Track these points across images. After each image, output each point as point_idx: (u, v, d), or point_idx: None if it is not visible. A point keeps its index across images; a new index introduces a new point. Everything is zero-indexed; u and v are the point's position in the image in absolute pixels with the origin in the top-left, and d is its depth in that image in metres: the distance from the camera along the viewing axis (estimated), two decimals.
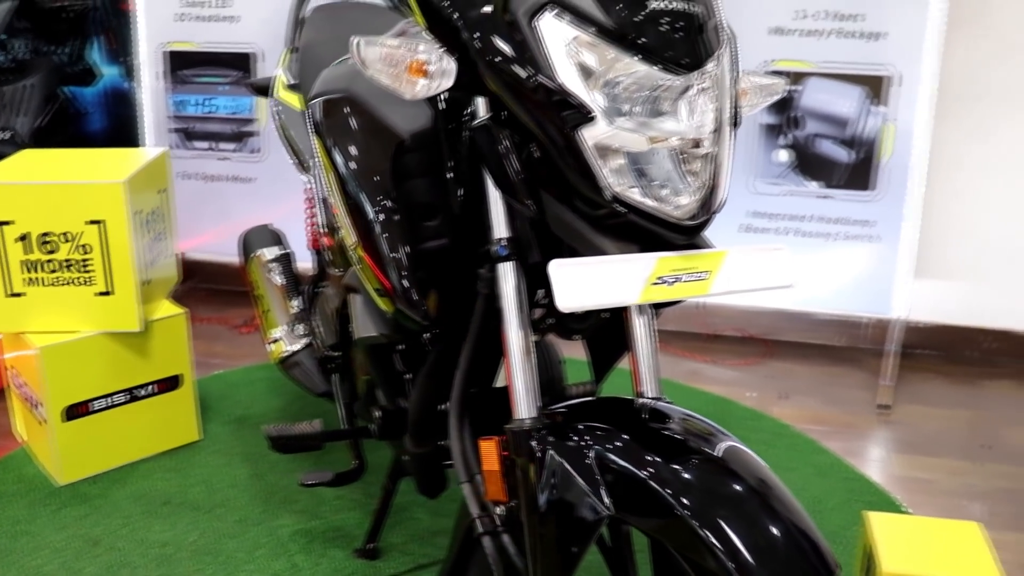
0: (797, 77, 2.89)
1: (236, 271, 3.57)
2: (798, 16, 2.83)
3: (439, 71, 1.05)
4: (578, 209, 1.04)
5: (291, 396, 2.64)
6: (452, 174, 1.23)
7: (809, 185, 2.97)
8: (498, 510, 1.13)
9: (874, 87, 2.85)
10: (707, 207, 1.04)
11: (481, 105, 1.11)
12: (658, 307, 1.21)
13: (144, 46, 3.39)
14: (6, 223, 2.09)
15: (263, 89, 2.36)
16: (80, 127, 3.66)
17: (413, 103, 1.25)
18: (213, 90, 3.38)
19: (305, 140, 2.03)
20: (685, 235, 1.03)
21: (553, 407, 1.13)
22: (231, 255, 3.47)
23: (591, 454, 1.03)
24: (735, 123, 1.08)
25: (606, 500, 1.00)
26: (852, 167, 2.93)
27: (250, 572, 1.93)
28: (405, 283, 1.21)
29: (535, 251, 1.13)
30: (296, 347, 2.05)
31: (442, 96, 1.23)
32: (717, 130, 1.04)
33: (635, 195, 1.00)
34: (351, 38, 1.07)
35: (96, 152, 2.46)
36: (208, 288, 3.55)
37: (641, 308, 1.17)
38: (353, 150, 1.29)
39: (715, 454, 1.01)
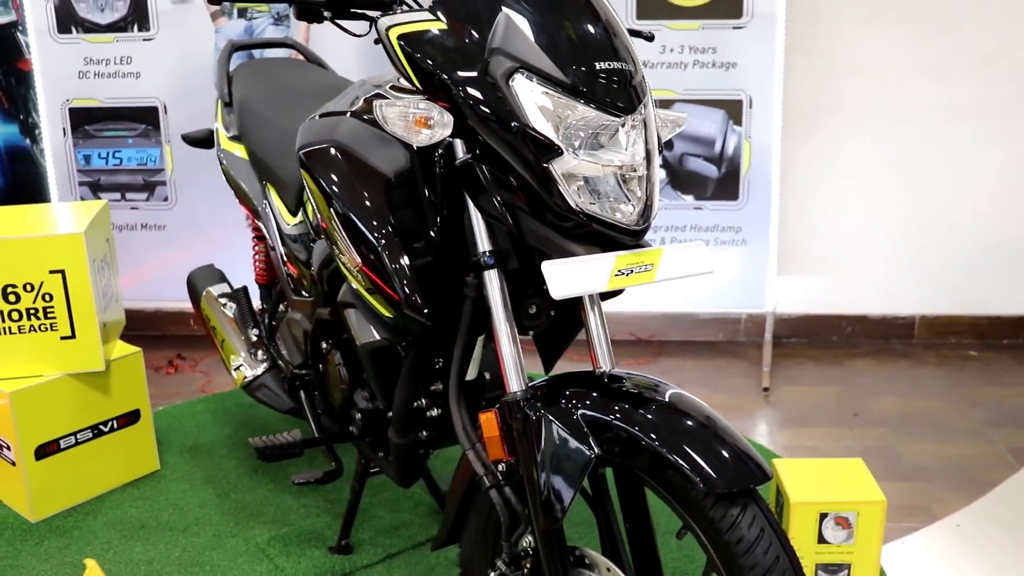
0: (665, 104, 3.29)
1: (150, 317, 3.71)
2: (663, 51, 3.23)
3: (439, 123, 1.33)
4: (549, 222, 1.33)
5: (235, 424, 2.83)
6: (429, 204, 1.51)
7: (684, 199, 3.36)
8: (499, 468, 1.41)
9: (732, 110, 3.27)
10: (646, 216, 1.36)
11: (459, 147, 1.40)
12: (604, 298, 1.52)
13: (45, 104, 3.51)
14: None
15: (199, 141, 2.56)
16: None
17: (388, 148, 1.53)
18: (121, 143, 3.52)
19: (252, 184, 2.26)
20: (633, 237, 1.34)
21: (534, 382, 1.42)
22: (146, 301, 3.63)
23: (573, 412, 1.33)
24: (660, 150, 1.41)
25: (592, 444, 1.29)
26: (719, 181, 3.34)
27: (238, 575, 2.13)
28: (408, 292, 1.48)
29: (512, 260, 1.42)
30: (259, 371, 2.26)
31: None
32: (648, 157, 1.36)
33: (595, 209, 1.31)
34: (374, 103, 1.35)
35: (37, 208, 2.60)
36: (127, 334, 3.66)
37: (592, 300, 1.48)
38: (350, 189, 1.55)
39: (666, 400, 1.32)
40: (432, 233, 1.50)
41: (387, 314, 1.54)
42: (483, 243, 1.41)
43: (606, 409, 1.32)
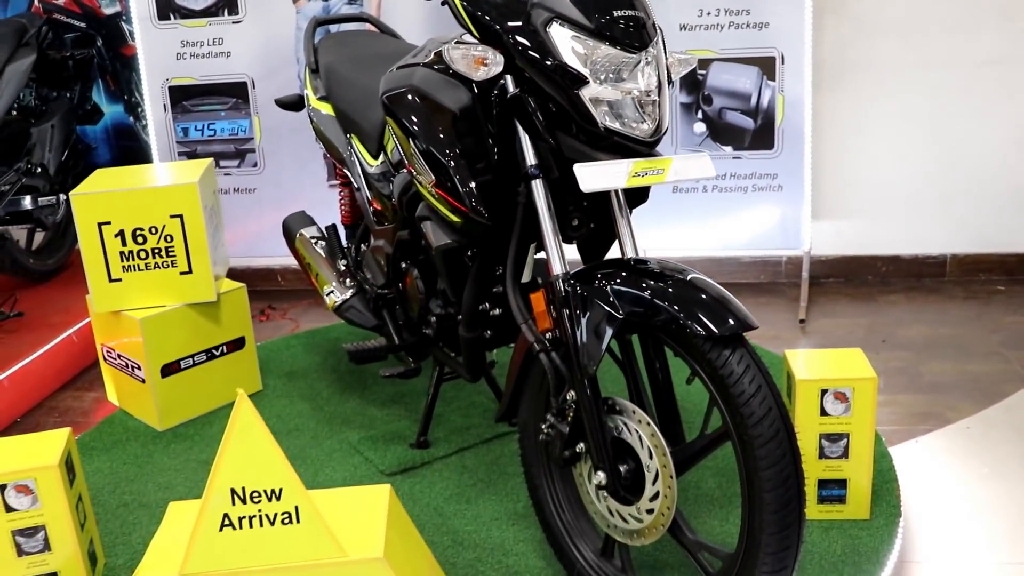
0: (703, 63, 3.59)
1: (243, 273, 4.14)
2: (701, 14, 3.54)
3: (493, 62, 1.69)
4: (580, 139, 1.68)
5: (323, 355, 3.23)
6: (487, 132, 1.86)
7: (723, 149, 3.67)
8: (547, 336, 1.76)
9: (766, 67, 3.56)
10: (657, 132, 1.69)
11: (510, 83, 1.75)
12: (632, 206, 1.87)
13: (147, 84, 3.95)
14: (105, 223, 2.65)
15: (290, 104, 2.96)
16: (90, 160, 4.20)
17: (455, 90, 1.89)
18: (215, 116, 3.95)
19: (339, 136, 2.64)
20: (648, 148, 1.68)
21: (577, 269, 1.76)
22: (238, 257, 4.05)
23: (604, 286, 1.67)
24: (670, 82, 1.74)
25: (618, 308, 1.64)
26: (755, 132, 3.64)
27: (334, 468, 2.53)
28: (474, 203, 1.85)
29: (554, 170, 1.77)
30: (347, 295, 2.65)
31: (475, 85, 1.87)
32: (659, 86, 1.69)
33: (617, 125, 1.65)
34: (442, 46, 1.71)
35: (155, 166, 3.03)
36: None
37: (620, 205, 1.83)
38: (426, 123, 1.92)
39: (682, 276, 1.66)
40: (490, 155, 1.86)
41: (456, 220, 1.90)
42: (530, 158, 1.76)
43: (631, 283, 1.66)
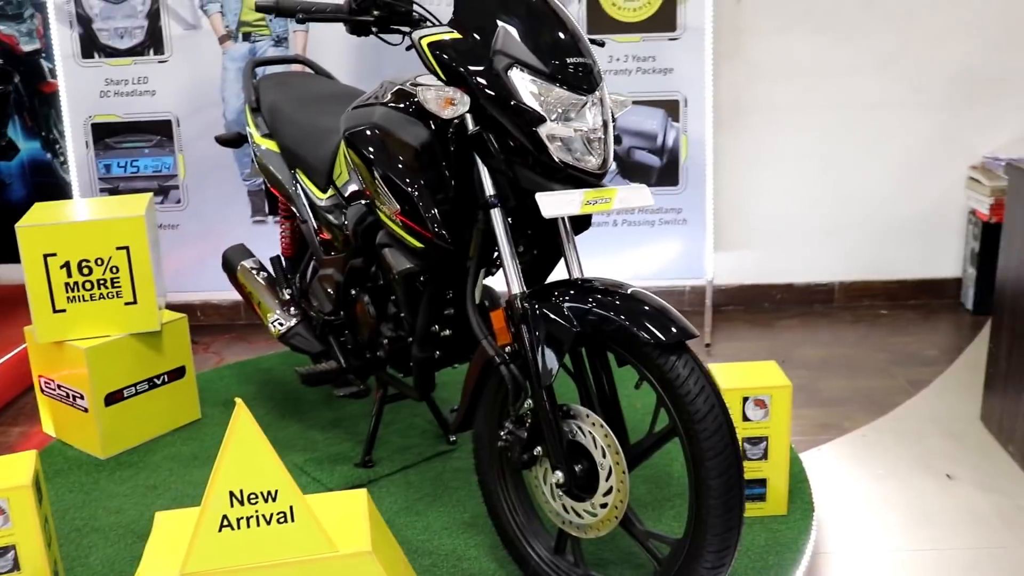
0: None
1: (172, 307, 4.17)
2: (611, 60, 3.80)
3: (460, 101, 1.87)
4: (536, 171, 1.87)
5: (257, 384, 3.31)
6: (446, 166, 2.04)
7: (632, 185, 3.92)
8: (506, 350, 1.94)
9: (671, 109, 3.85)
10: (604, 166, 1.90)
11: (469, 121, 1.93)
12: (576, 232, 2.07)
13: (69, 120, 3.97)
14: (51, 255, 2.70)
15: (229, 141, 3.07)
16: (4, 196, 4.18)
17: (414, 127, 2.07)
18: (138, 153, 4.00)
19: (283, 171, 2.77)
20: (596, 179, 1.88)
21: (528, 290, 1.94)
22: (167, 292, 4.08)
23: (559, 303, 1.86)
24: (612, 120, 1.96)
25: (574, 322, 1.82)
26: (661, 170, 3.91)
27: None
28: (438, 229, 2.01)
29: (510, 199, 1.95)
30: (292, 323, 2.76)
31: (432, 123, 2.05)
32: (604, 125, 1.90)
33: (568, 159, 1.85)
34: (418, 88, 1.88)
35: (96, 201, 3.07)
36: None
37: (567, 231, 2.02)
38: (389, 158, 2.08)
39: (626, 291, 1.86)
40: (448, 186, 2.03)
41: (418, 245, 2.06)
42: (488, 188, 1.94)
43: (582, 300, 1.85)
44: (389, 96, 2.16)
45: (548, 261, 2.15)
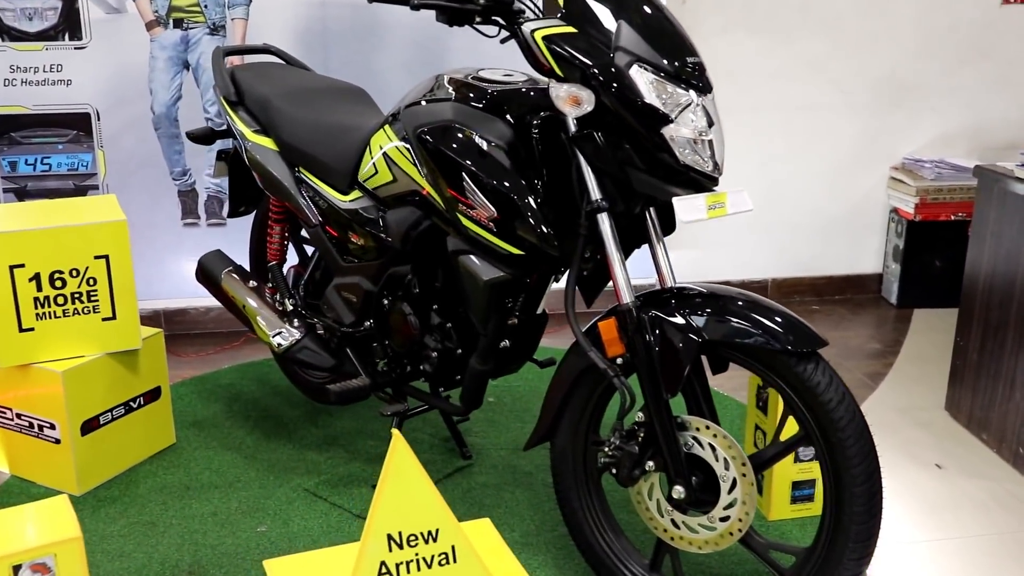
0: None
1: None
2: None
3: (587, 100, 1.76)
4: (654, 173, 1.79)
5: (223, 403, 3.05)
6: (534, 165, 1.92)
7: None
8: (618, 362, 1.85)
9: None
10: (718, 169, 1.84)
11: (571, 120, 1.83)
12: (666, 234, 2.00)
13: None
14: (18, 266, 2.37)
15: (202, 138, 2.80)
16: None
17: (494, 124, 1.94)
18: (51, 149, 3.60)
19: (283, 171, 2.55)
20: (713, 183, 1.82)
21: (637, 295, 1.86)
22: None
23: (681, 313, 1.79)
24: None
25: (700, 331, 1.76)
26: None
27: (303, 517, 2.41)
28: (544, 231, 1.89)
29: (619, 203, 1.86)
30: (298, 336, 2.54)
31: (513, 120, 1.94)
32: (716, 126, 1.84)
33: (691, 162, 1.78)
34: (550, 86, 1.75)
35: (67, 202, 2.70)
36: None
37: (658, 236, 1.96)
38: (480, 157, 1.93)
39: (737, 296, 1.81)
40: (539, 188, 1.92)
41: (517, 252, 1.93)
42: (595, 192, 1.84)
43: (703, 308, 1.79)
44: (451, 91, 2.02)
45: (605, 276, 2.08)
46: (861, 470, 1.71)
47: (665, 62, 1.76)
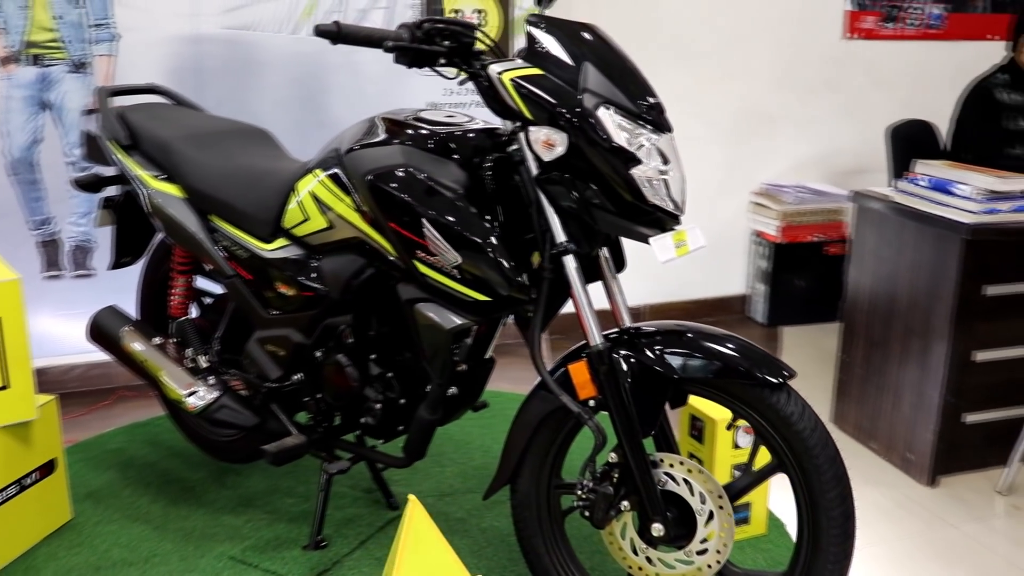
0: None
1: None
2: (447, 93, 3.73)
3: (560, 142, 1.74)
4: (621, 214, 1.79)
5: (115, 470, 2.81)
6: (488, 208, 1.89)
7: None
8: (590, 403, 1.83)
9: None
10: (680, 207, 1.86)
11: (532, 163, 1.81)
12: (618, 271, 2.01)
13: None
14: None
15: (90, 185, 2.60)
16: None
17: (446, 167, 1.90)
18: None
19: (191, 220, 2.40)
20: (675, 221, 1.84)
21: (604, 335, 1.85)
22: None
23: (652, 352, 1.80)
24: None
25: (673, 368, 1.77)
26: None
27: None
28: (512, 275, 1.84)
29: (583, 245, 1.85)
30: (216, 395, 2.38)
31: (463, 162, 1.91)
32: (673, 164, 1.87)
33: (658, 201, 1.79)
34: (529, 128, 1.71)
35: None
36: None
37: (612, 273, 1.97)
38: (439, 201, 1.87)
39: (702, 331, 1.84)
40: (497, 232, 1.89)
41: (483, 298, 1.88)
42: (559, 235, 1.83)
43: (672, 345, 1.81)
44: (395, 134, 1.97)
45: (556, 305, 2.07)
46: (836, 494, 1.77)
47: (629, 103, 1.78)
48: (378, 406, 2.16)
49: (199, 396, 2.38)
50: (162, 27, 3.37)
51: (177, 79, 3.39)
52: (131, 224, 2.69)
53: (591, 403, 1.85)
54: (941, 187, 2.85)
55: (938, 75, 4.54)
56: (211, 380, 2.41)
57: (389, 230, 1.95)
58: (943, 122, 3.85)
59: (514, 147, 1.89)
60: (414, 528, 1.38)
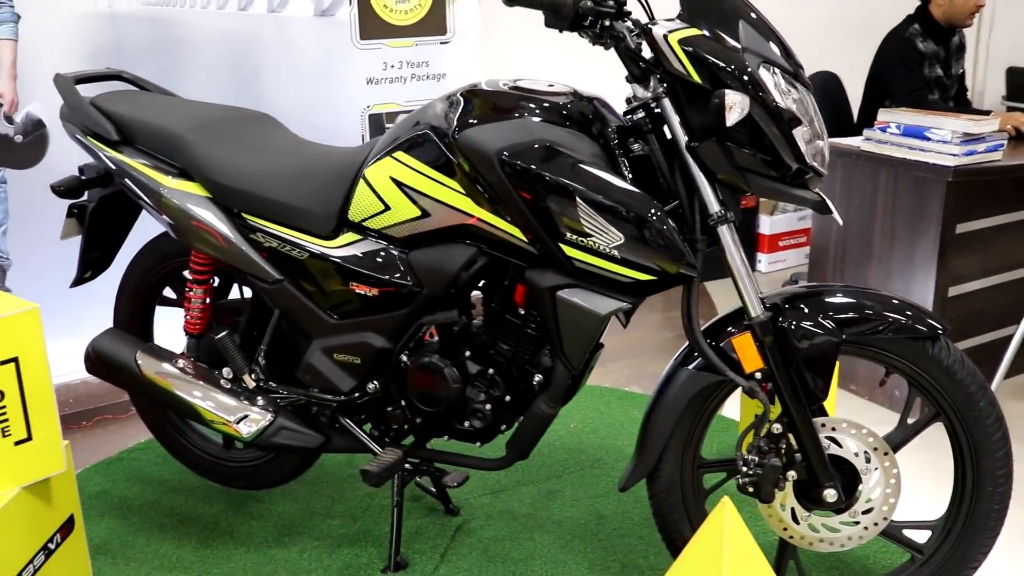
0: (391, 117, 3.57)
1: None
2: (385, 67, 3.50)
3: (742, 105, 1.63)
4: (777, 178, 1.72)
5: (117, 513, 2.46)
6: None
7: None
8: (756, 375, 1.77)
9: None
10: (825, 164, 1.80)
11: (679, 130, 1.71)
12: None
13: None
14: None
15: (70, 191, 2.23)
16: None
17: (579, 140, 1.76)
18: None
19: (217, 218, 2.10)
20: (822, 181, 1.79)
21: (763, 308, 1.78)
22: None
23: (815, 317, 1.75)
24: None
25: (838, 332, 1.74)
26: None
27: None
28: (684, 250, 1.73)
29: (739, 214, 1.77)
30: (271, 417, 2.10)
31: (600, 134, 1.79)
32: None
33: (817, 162, 1.74)
34: (722, 92, 1.58)
35: None
36: None
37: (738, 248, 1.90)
38: (590, 176, 1.72)
39: (865, 291, 1.81)
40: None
41: (647, 278, 1.75)
42: (713, 205, 1.74)
43: (828, 308, 1.77)
44: (510, 107, 1.80)
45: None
46: (999, 435, 1.80)
47: (785, 62, 1.71)
48: (487, 407, 1.98)
49: (250, 421, 2.11)
50: (71, 5, 2.94)
51: (92, 64, 2.98)
52: (101, 233, 2.34)
53: (757, 375, 1.78)
54: (916, 133, 2.97)
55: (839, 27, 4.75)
56: (260, 401, 2.14)
57: (525, 212, 1.77)
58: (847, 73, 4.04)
59: (639, 115, 1.79)
60: (731, 532, 1.26)
